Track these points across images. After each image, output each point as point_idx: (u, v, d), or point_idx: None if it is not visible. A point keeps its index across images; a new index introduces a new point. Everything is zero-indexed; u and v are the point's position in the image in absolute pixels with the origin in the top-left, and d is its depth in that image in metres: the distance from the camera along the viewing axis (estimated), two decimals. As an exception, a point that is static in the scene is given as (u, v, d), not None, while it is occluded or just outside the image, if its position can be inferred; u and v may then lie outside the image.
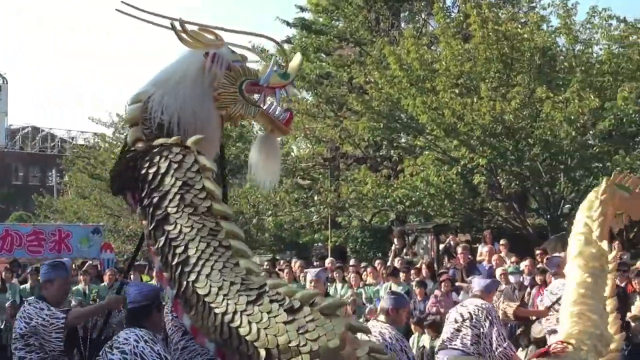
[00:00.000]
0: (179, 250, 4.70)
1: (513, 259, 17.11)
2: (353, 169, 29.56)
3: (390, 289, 15.14)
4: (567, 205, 25.00)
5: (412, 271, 17.18)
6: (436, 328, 13.78)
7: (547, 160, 22.52)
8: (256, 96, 6.08)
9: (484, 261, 17.49)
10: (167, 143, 5.10)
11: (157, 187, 4.91)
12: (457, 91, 22.04)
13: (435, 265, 19.65)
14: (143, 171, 5.01)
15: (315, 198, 30.77)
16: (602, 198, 7.82)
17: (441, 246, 21.74)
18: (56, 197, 53.68)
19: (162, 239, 4.77)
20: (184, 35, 5.76)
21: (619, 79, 21.82)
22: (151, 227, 4.90)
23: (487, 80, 22.00)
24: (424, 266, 17.74)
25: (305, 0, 32.79)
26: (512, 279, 15.48)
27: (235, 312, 4.44)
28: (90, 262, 21.91)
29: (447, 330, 8.93)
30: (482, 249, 18.51)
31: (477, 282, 9.42)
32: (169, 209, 4.81)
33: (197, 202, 4.79)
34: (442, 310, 14.22)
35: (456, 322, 8.75)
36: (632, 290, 15.16)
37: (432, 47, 26.34)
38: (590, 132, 22.37)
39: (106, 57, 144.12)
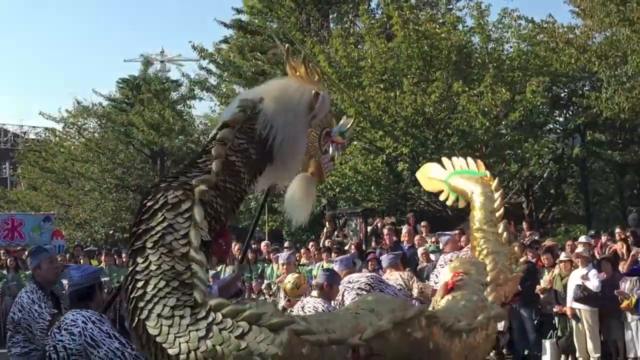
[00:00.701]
0: (139, 284, 4.52)
1: (433, 239, 17.23)
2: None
3: (322, 267, 15.15)
4: (482, 190, 25.28)
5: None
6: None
7: (463, 148, 22.70)
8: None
9: (404, 241, 17.54)
10: (173, 185, 4.87)
11: (146, 220, 4.76)
12: (381, 86, 22.13)
13: (363, 246, 19.72)
14: (145, 201, 4.87)
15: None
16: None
17: (369, 228, 21.83)
18: (9, 188, 52.72)
19: (130, 268, 4.63)
20: (297, 66, 5.62)
21: (528, 74, 22.14)
22: (127, 253, 4.79)
23: (408, 76, 22.12)
24: (352, 247, 17.79)
25: (242, 3, 32.61)
26: (432, 257, 15.60)
27: (189, 352, 4.30)
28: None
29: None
30: (405, 230, 18.60)
31: (383, 259, 9.51)
32: (147, 243, 4.63)
33: (175, 245, 4.58)
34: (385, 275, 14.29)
35: (362, 290, 8.69)
36: (542, 265, 15.40)
37: (358, 46, 26.35)
38: (503, 122, 22.65)
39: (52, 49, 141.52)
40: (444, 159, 8.11)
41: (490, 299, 6.20)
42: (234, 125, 5.19)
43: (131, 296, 4.47)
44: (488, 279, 6.43)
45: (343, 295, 8.28)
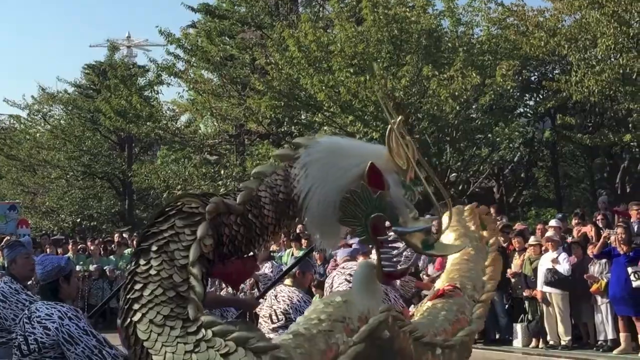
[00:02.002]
0: (137, 286, 4.55)
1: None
2: (257, 145, 29.47)
3: (292, 254, 15.18)
4: (453, 174, 25.45)
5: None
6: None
7: (434, 133, 22.85)
8: None
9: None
10: (193, 197, 4.88)
11: (159, 223, 4.78)
12: (351, 70, 22.13)
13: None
14: (165, 206, 4.89)
15: (222, 172, 30.53)
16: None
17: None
18: (-27, 176, 52.23)
19: (132, 268, 4.66)
20: (394, 142, 5.05)
21: (498, 58, 22.24)
22: (135, 250, 4.80)
23: (379, 60, 22.13)
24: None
25: (209, -14, 32.41)
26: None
27: None
28: (8, 237, 21.34)
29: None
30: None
31: (342, 251, 9.41)
32: (153, 246, 4.65)
33: (177, 255, 4.59)
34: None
35: (350, 282, 8.73)
36: (512, 249, 15.53)
37: (328, 30, 26.31)
38: (473, 106, 22.77)
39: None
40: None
41: (477, 313, 6.29)
42: (280, 159, 5.16)
43: (127, 296, 4.52)
44: (483, 297, 6.52)
45: (333, 279, 8.31)
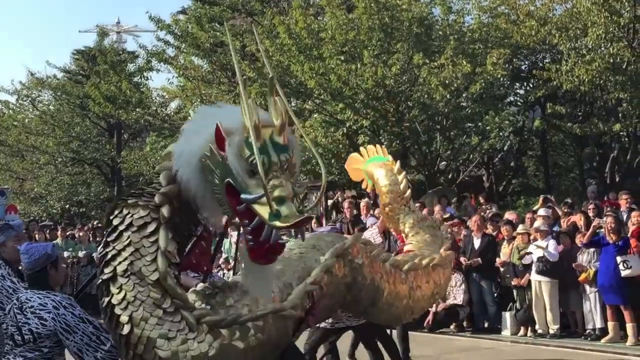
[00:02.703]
0: (123, 319, 4.45)
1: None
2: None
3: (231, 242, 15.23)
4: (443, 162, 25.50)
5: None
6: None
7: (424, 121, 22.84)
8: None
9: (362, 215, 17.58)
10: (140, 203, 4.72)
11: (112, 242, 4.67)
12: (342, 58, 22.09)
13: (323, 220, 19.75)
14: (111, 217, 4.73)
15: (212, 159, 30.49)
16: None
17: (329, 202, 21.86)
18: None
19: (106, 300, 4.55)
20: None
21: (489, 46, 22.26)
22: (98, 280, 4.67)
23: (369, 48, 22.09)
24: (313, 220, 17.78)
25: (199, -28, 32.26)
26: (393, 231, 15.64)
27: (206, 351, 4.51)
28: (-4, 223, 21.28)
29: None
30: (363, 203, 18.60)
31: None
32: (118, 270, 4.55)
33: (145, 272, 4.49)
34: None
35: None
36: (502, 238, 15.56)
37: (318, 17, 26.26)
38: (463, 95, 22.76)
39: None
40: (361, 149, 8.59)
41: (441, 251, 6.57)
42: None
43: (118, 332, 4.48)
44: (441, 250, 6.73)
45: None
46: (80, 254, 20.47)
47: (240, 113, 4.46)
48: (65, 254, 19.56)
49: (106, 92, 30.87)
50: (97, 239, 22.05)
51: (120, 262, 4.56)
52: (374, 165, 8.40)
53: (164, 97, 35.25)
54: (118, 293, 4.53)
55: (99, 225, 24.65)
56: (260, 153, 4.30)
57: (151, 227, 4.62)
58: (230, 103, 27.36)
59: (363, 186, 8.97)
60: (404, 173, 7.99)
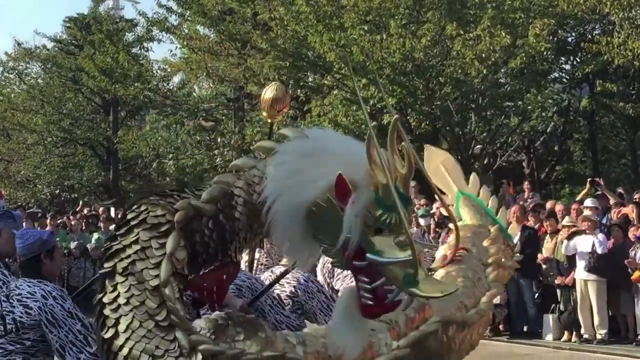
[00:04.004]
0: (109, 322, 4.43)
1: (422, 201, 17.25)
2: (258, 110, 29.42)
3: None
4: (478, 146, 25.42)
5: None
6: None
7: (457, 99, 22.77)
8: None
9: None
10: (162, 202, 4.71)
11: (120, 236, 4.67)
12: (365, 28, 22.06)
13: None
14: (128, 211, 4.74)
15: (219, 140, 30.55)
16: None
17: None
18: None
19: (99, 296, 4.55)
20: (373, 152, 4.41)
21: (531, 16, 22.11)
22: (99, 271, 4.68)
23: (396, 17, 22.03)
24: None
25: None
26: (422, 222, 15.67)
27: None
28: (-21, 210, 21.43)
29: (348, 275, 8.87)
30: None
31: None
32: (117, 267, 4.54)
33: (146, 276, 4.43)
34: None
35: None
36: (544, 232, 15.51)
37: (339, -18, 26.20)
38: (502, 70, 22.68)
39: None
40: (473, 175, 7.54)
41: (492, 276, 6.35)
42: (263, 152, 4.93)
43: (102, 334, 4.40)
44: (490, 260, 6.59)
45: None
46: (72, 244, 20.54)
47: (361, 154, 4.41)
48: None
49: (101, 64, 30.94)
50: (91, 228, 22.18)
51: (122, 259, 4.52)
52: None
53: (165, 71, 35.35)
54: (112, 292, 4.45)
55: (93, 213, 24.76)
56: (391, 211, 4.36)
57: (163, 229, 4.60)
58: (240, 77, 27.40)
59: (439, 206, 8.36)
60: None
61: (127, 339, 4.34)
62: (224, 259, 4.94)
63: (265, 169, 4.74)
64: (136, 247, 4.52)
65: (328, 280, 8.04)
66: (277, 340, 4.67)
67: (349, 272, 7.24)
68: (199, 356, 4.31)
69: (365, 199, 4.42)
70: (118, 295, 4.45)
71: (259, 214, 4.73)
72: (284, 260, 7.87)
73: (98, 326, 4.46)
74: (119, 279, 4.48)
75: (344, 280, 7.87)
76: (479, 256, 6.58)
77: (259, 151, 5.01)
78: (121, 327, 4.38)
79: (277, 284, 7.45)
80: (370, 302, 4.53)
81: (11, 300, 5.33)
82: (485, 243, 6.89)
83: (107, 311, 4.44)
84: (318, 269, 8.37)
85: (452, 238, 6.60)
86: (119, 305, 4.43)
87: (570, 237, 14.56)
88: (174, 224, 4.57)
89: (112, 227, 21.60)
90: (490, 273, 6.27)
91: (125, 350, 4.32)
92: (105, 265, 4.54)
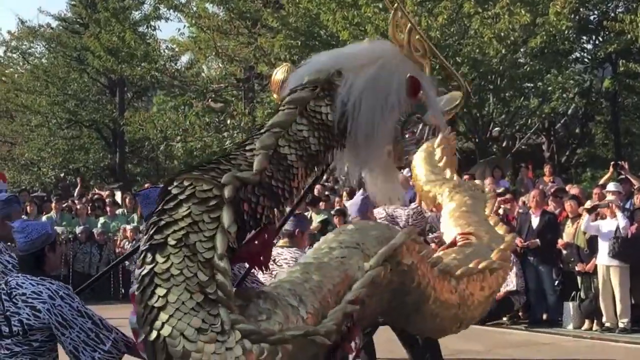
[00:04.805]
0: (160, 291, 4.46)
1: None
2: (268, 91, 29.39)
3: (310, 218, 15.21)
4: (496, 128, 25.36)
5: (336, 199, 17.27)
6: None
7: (475, 80, 22.68)
8: None
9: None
10: (206, 176, 4.78)
11: (169, 210, 4.71)
12: (380, 5, 21.94)
13: (357, 191, 19.72)
14: (170, 187, 4.80)
15: (229, 122, 30.54)
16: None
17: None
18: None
19: (148, 267, 4.57)
20: (400, 27, 5.73)
21: (552, -7, 22.00)
22: (144, 245, 4.71)
23: (413, -7, 21.96)
24: (344, 193, 17.80)
25: None
26: (438, 204, 15.60)
27: None
28: (-19, 193, 21.48)
29: None
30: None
31: (350, 207, 9.48)
32: (170, 240, 4.56)
33: (199, 248, 4.54)
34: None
35: None
36: (565, 216, 15.46)
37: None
38: (521, 49, 22.58)
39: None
40: None
41: (499, 255, 6.41)
42: (296, 105, 5.15)
43: (149, 303, 4.47)
44: (502, 246, 6.62)
45: None
46: (78, 229, 20.59)
47: (394, 59, 5.60)
48: (59, 229, 19.66)
49: (107, 43, 30.96)
50: (97, 212, 22.23)
51: (175, 231, 4.59)
52: None
53: (173, 50, 35.30)
54: (164, 262, 4.51)
55: (99, 196, 24.80)
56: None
57: (213, 203, 4.66)
58: (250, 57, 27.36)
59: None
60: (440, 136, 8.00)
61: (177, 309, 4.42)
62: (274, 219, 5.09)
63: (315, 115, 5.18)
64: (188, 220, 4.60)
65: None
66: (288, 309, 4.77)
67: None
68: (237, 334, 4.42)
69: (428, 83, 5.67)
70: (171, 266, 4.50)
71: (318, 163, 5.28)
72: (282, 242, 7.93)
73: (145, 296, 4.49)
74: (172, 250, 4.54)
75: None
76: (491, 243, 6.65)
77: (312, 82, 5.29)
78: (171, 297, 4.44)
79: (275, 265, 7.49)
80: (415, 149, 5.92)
81: (15, 300, 5.25)
82: (501, 231, 6.96)
83: (158, 280, 4.49)
84: None
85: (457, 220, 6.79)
86: (172, 276, 4.48)
87: (590, 211, 14.51)
88: (222, 198, 4.67)
89: (118, 211, 21.75)
90: (497, 253, 6.43)
91: (173, 321, 4.40)
92: (156, 237, 4.58)
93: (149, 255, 4.59)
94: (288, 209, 5.46)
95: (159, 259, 4.54)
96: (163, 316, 4.44)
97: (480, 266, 6.13)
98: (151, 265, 4.55)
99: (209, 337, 4.40)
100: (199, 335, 4.39)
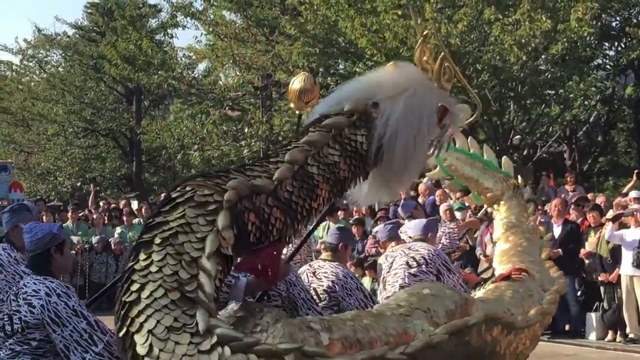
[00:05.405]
0: (134, 287, 4.41)
1: (458, 194, 17.15)
2: (286, 99, 29.42)
3: (328, 228, 15.15)
4: (517, 136, 25.30)
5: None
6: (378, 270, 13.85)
7: (495, 87, 22.67)
8: None
9: (419, 197, 17.56)
10: (209, 182, 4.78)
11: (164, 212, 4.72)
12: (399, 13, 21.95)
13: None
14: (172, 192, 4.81)
15: (246, 130, 30.60)
16: None
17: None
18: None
19: (130, 264, 4.58)
20: (426, 55, 5.83)
21: (573, -1, 21.96)
22: (135, 244, 4.73)
23: (431, 1, 21.93)
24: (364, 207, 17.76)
25: None
26: (458, 215, 15.60)
27: None
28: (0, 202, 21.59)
29: (399, 275, 8.68)
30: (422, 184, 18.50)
31: (415, 226, 9.28)
32: (156, 238, 4.56)
33: (187, 248, 4.49)
34: (382, 251, 14.24)
35: (410, 266, 8.56)
36: (587, 226, 15.41)
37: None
38: (542, 56, 22.54)
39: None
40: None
41: (548, 299, 6.47)
42: (330, 129, 5.21)
43: (123, 299, 4.43)
44: (555, 288, 6.66)
45: (394, 260, 8.31)
46: (94, 239, 20.65)
47: (424, 89, 5.62)
48: (75, 239, 19.74)
49: (124, 51, 31.06)
50: (113, 222, 22.29)
51: (163, 231, 4.56)
52: (487, 174, 8.51)
53: (190, 58, 35.40)
54: (145, 259, 4.49)
55: (115, 206, 24.87)
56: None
57: (212, 207, 4.65)
58: (267, 64, 27.41)
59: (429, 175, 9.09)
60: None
61: (148, 305, 4.35)
62: (287, 235, 5.06)
63: (348, 142, 5.25)
64: (181, 221, 4.58)
65: (385, 275, 8.22)
66: (297, 329, 4.69)
67: (399, 271, 7.59)
68: (214, 338, 4.29)
69: (454, 105, 5.91)
70: (151, 263, 4.47)
71: (342, 190, 5.30)
72: (325, 255, 7.88)
73: (121, 292, 4.48)
74: (155, 248, 4.52)
75: (393, 277, 8.02)
76: (542, 283, 6.67)
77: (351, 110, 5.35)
78: (144, 293, 4.38)
79: (314, 278, 7.45)
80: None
81: (18, 299, 5.36)
82: (554, 273, 7.03)
83: (135, 277, 4.46)
84: (381, 264, 8.45)
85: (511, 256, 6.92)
86: (149, 272, 4.44)
87: (614, 220, 14.45)
88: (222, 203, 4.66)
89: (135, 220, 21.81)
90: (548, 294, 6.47)
91: (142, 318, 4.32)
92: (144, 236, 4.58)
93: (134, 253, 4.60)
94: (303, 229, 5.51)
95: (141, 256, 4.53)
96: (133, 311, 4.38)
97: (538, 313, 6.15)
98: (132, 262, 4.54)
99: (181, 338, 4.31)
100: (169, 333, 4.29)
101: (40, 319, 5.23)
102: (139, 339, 4.30)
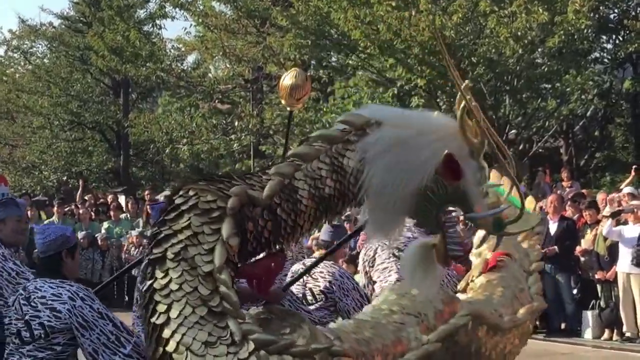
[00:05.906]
0: (161, 308, 4.50)
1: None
2: (277, 92, 29.38)
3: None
4: (512, 131, 25.28)
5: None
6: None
7: (491, 80, 22.65)
8: None
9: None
10: (212, 188, 4.80)
11: (170, 221, 4.74)
12: (393, 4, 21.92)
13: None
14: (175, 197, 4.83)
15: (236, 124, 30.55)
16: None
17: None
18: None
19: (148, 283, 4.60)
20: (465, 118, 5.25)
21: (570, -9, 21.96)
22: (145, 259, 4.75)
23: (426, -9, 21.93)
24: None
25: None
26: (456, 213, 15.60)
27: None
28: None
29: (391, 268, 8.68)
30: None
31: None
32: (168, 253, 4.59)
33: (198, 261, 4.57)
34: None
35: (398, 258, 8.57)
36: (584, 223, 15.43)
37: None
38: (539, 49, 22.52)
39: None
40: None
41: (533, 289, 6.43)
42: (324, 142, 5.13)
43: (152, 320, 4.52)
44: (532, 267, 6.64)
45: (375, 252, 8.29)
46: (80, 234, 20.58)
47: (440, 131, 5.23)
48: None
49: (111, 43, 31.00)
50: (100, 217, 22.27)
51: (173, 244, 4.62)
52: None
53: (179, 50, 35.34)
54: (163, 277, 4.57)
55: (103, 201, 24.84)
56: (481, 169, 5.32)
57: (215, 214, 4.67)
58: (258, 57, 27.37)
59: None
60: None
61: (180, 325, 4.46)
62: (274, 249, 5.09)
63: (340, 159, 5.06)
64: (188, 232, 4.64)
65: (367, 269, 8.08)
66: (319, 334, 4.79)
67: (387, 264, 7.45)
68: (251, 345, 4.43)
69: (473, 168, 5.21)
70: (170, 281, 4.55)
71: (331, 206, 5.12)
72: (317, 254, 7.87)
73: (148, 313, 4.52)
74: (170, 264, 4.59)
75: (382, 273, 7.91)
76: (521, 263, 6.65)
77: (322, 140, 5.13)
78: (173, 313, 4.48)
79: (310, 278, 7.47)
80: (460, 253, 6.00)
81: (33, 304, 5.30)
82: (525, 245, 6.95)
83: (158, 297, 4.54)
84: (360, 258, 8.38)
85: (491, 242, 6.69)
86: (171, 291, 4.53)
87: (613, 216, 14.47)
88: (226, 210, 4.69)
89: (122, 216, 21.80)
90: (534, 284, 6.43)
91: (177, 337, 4.44)
92: (155, 250, 4.62)
93: (149, 269, 4.63)
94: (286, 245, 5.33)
95: (158, 274, 4.58)
96: (166, 332, 4.46)
97: (525, 311, 6.20)
98: (150, 281, 4.58)
99: (219, 351, 4.41)
100: (207, 348, 4.40)
101: (68, 323, 5.19)
102: (177, 357, 4.43)
